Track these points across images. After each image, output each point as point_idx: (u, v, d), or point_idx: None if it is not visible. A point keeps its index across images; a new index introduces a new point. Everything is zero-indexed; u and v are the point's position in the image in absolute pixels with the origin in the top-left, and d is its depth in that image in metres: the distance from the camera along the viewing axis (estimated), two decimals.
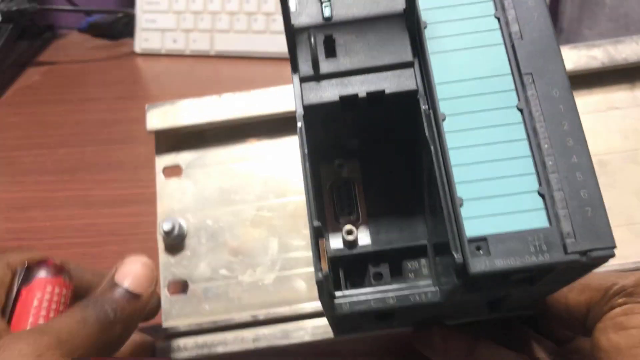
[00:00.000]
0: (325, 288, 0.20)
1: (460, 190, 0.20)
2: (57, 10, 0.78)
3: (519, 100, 0.21)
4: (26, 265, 0.28)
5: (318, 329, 0.32)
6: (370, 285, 0.25)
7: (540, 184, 0.20)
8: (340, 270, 0.25)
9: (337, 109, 0.23)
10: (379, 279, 0.25)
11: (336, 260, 0.26)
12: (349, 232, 0.26)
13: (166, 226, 0.33)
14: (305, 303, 0.32)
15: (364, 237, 0.26)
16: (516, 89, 0.22)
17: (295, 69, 0.24)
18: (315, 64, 0.23)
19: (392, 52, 0.23)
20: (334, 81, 0.23)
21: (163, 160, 0.36)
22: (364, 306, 0.23)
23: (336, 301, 0.23)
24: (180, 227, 0.34)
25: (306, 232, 0.34)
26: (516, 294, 0.25)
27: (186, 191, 0.36)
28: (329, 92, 0.23)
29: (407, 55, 0.23)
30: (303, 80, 0.23)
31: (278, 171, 0.36)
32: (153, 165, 0.36)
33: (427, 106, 0.22)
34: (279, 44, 0.69)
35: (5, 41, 0.67)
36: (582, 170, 0.20)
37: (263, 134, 0.36)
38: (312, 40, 0.23)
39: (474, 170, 0.21)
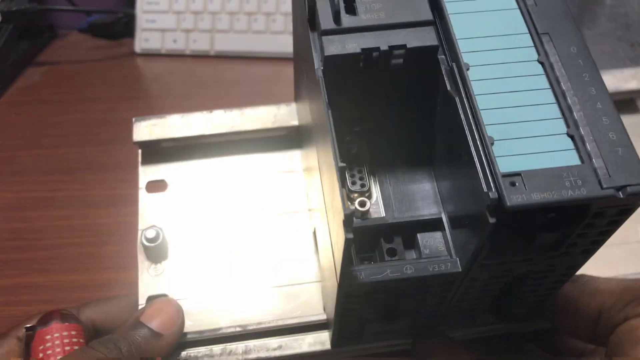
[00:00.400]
0: (350, 224, 0.19)
1: (490, 131, 0.20)
2: (57, 10, 0.78)
3: (538, 54, 0.22)
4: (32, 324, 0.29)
5: (314, 345, 0.30)
6: (384, 260, 0.25)
7: (568, 127, 0.20)
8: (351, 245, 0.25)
9: (358, 63, 0.23)
10: (392, 254, 0.24)
11: None
12: (362, 204, 0.25)
13: (149, 234, 0.32)
14: (299, 318, 0.31)
15: (376, 211, 0.26)
16: (535, 46, 0.22)
17: (313, 26, 0.24)
18: (337, 17, 0.23)
19: (412, 11, 0.23)
20: (354, 35, 0.23)
21: (147, 174, 0.35)
22: (381, 275, 0.22)
23: (351, 271, 0.22)
24: (163, 237, 0.32)
25: (297, 244, 0.33)
26: (532, 277, 0.24)
27: (170, 205, 0.34)
28: (350, 44, 0.23)
29: (427, 14, 0.23)
30: (324, 33, 0.23)
31: (267, 184, 0.35)
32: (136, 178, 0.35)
33: (447, 62, 0.23)
34: (279, 44, 0.69)
35: (6, 41, 0.66)
36: (607, 115, 0.20)
37: (251, 150, 0.36)
38: None
39: (501, 114, 0.21)
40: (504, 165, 0.19)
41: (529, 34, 0.23)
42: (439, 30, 0.24)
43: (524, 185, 0.19)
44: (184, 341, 0.30)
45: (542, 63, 0.22)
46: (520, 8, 0.23)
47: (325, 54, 0.23)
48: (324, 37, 0.23)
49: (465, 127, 0.21)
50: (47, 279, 0.43)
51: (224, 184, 0.35)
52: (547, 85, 0.21)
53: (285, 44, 0.68)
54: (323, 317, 0.31)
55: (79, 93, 0.65)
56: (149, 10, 0.71)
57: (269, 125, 0.35)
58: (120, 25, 0.75)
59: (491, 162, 0.20)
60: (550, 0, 0.23)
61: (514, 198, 0.19)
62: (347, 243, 0.19)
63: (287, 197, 0.35)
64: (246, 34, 0.70)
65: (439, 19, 0.24)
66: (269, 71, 0.68)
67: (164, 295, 0.31)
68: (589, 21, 0.83)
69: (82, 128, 0.59)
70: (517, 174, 0.19)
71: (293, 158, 0.36)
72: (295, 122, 0.35)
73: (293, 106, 0.36)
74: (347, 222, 0.19)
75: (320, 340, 0.30)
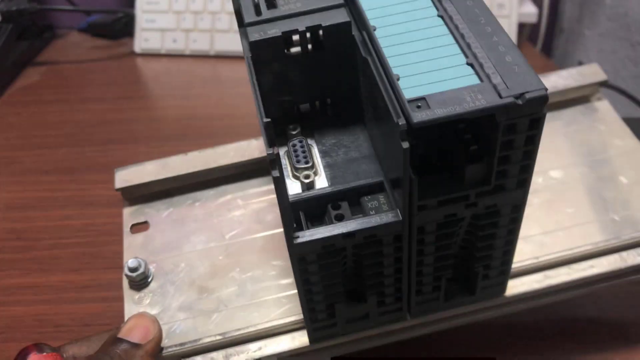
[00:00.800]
0: (279, 166, 0.21)
1: (396, 72, 0.22)
2: (57, 10, 0.78)
3: (437, 10, 0.25)
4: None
5: (292, 342, 0.31)
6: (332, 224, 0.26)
7: (467, 57, 0.22)
8: (300, 213, 0.26)
9: (280, 45, 0.26)
10: (340, 219, 0.25)
11: (296, 204, 0.26)
12: (307, 177, 0.27)
13: (132, 263, 0.33)
14: (278, 320, 0.31)
15: (322, 182, 0.27)
16: (434, 5, 0.25)
17: (240, 23, 0.27)
18: (258, 9, 0.26)
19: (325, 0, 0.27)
20: (277, 23, 0.26)
21: (131, 216, 0.37)
22: (327, 232, 0.24)
23: (298, 234, 0.24)
24: (146, 266, 0.34)
25: (276, 263, 0.34)
26: (482, 227, 0.26)
27: (153, 241, 0.36)
28: (272, 30, 0.26)
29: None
30: (248, 25, 0.26)
31: (245, 212, 0.37)
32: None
33: (360, 33, 0.26)
34: None
35: (5, 41, 0.67)
36: (503, 44, 0.22)
37: (227, 181, 0.38)
38: None
39: (406, 58, 0.23)
40: (409, 93, 0.21)
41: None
42: (352, 10, 0.27)
43: (428, 105, 0.21)
44: (165, 355, 0.31)
45: (441, 16, 0.24)
46: None
47: (250, 40, 0.26)
48: (248, 28, 0.26)
49: (376, 77, 0.23)
50: (47, 279, 0.43)
51: (203, 216, 0.37)
52: (446, 32, 0.24)
53: None
54: (301, 317, 0.31)
55: (79, 93, 0.66)
56: (149, 10, 0.71)
57: (242, 159, 0.38)
58: (119, 25, 0.75)
59: (397, 93, 0.21)
60: None
61: (419, 116, 0.20)
62: (276, 182, 0.21)
63: (261, 220, 0.37)
64: None
65: (350, 2, 0.27)
66: None
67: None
68: (589, 21, 0.83)
69: (82, 128, 0.59)
70: (422, 98, 0.21)
71: (267, 183, 0.38)
72: (264, 154, 0.37)
73: (261, 140, 0.38)
74: (273, 162, 0.21)
75: (300, 339, 0.31)
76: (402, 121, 0.21)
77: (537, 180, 0.36)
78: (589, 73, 0.40)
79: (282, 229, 0.35)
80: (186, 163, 0.38)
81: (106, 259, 0.44)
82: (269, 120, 0.22)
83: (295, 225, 0.25)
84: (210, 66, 0.69)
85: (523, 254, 0.32)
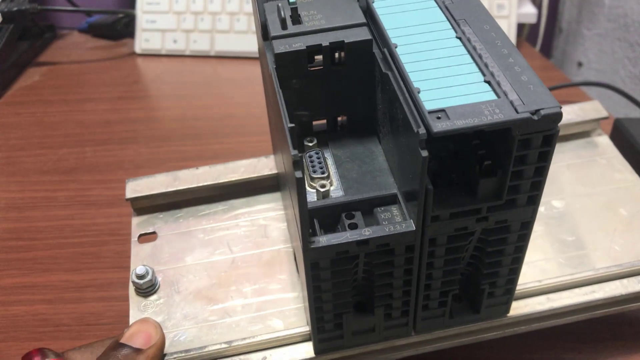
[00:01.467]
0: (301, 166, 0.22)
1: (416, 85, 0.23)
2: (58, 11, 0.79)
3: (456, 32, 0.26)
4: None
5: (297, 353, 0.31)
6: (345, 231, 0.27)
7: (485, 75, 0.23)
8: (315, 221, 0.26)
9: (304, 59, 0.27)
10: (354, 228, 0.26)
11: (311, 211, 0.26)
12: (322, 186, 0.28)
13: (140, 270, 0.33)
14: (284, 331, 0.32)
15: (336, 193, 0.28)
16: (453, 28, 0.26)
17: (266, 37, 0.28)
18: (284, 24, 0.28)
19: (348, 17, 0.28)
20: (301, 38, 0.27)
21: (139, 226, 0.38)
22: (342, 238, 0.24)
23: (313, 239, 0.24)
24: (154, 274, 0.34)
25: (281, 277, 0.34)
26: (491, 242, 0.27)
27: (160, 251, 0.36)
28: (297, 44, 0.27)
29: (361, 18, 0.28)
30: (274, 38, 0.27)
31: (252, 227, 0.37)
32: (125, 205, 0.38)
33: (380, 51, 0.26)
34: None
35: (6, 41, 0.67)
36: (519, 65, 0.23)
37: (235, 196, 0.39)
38: (281, 9, 0.28)
39: (426, 74, 0.24)
40: (430, 105, 0.22)
41: (447, 21, 0.26)
42: (372, 30, 0.28)
43: (448, 116, 0.21)
44: None
45: (459, 38, 0.25)
46: (439, 5, 0.27)
47: (275, 52, 0.27)
48: (274, 41, 0.27)
49: (397, 90, 0.24)
50: (47, 279, 0.43)
51: (211, 229, 0.38)
52: (465, 52, 0.25)
53: None
54: (307, 329, 0.31)
55: (79, 93, 0.66)
56: (149, 11, 0.71)
57: (251, 175, 0.39)
58: (120, 25, 0.75)
59: (418, 105, 0.22)
60: None
61: (439, 125, 0.21)
62: (299, 182, 0.22)
63: (267, 235, 0.37)
64: (246, 34, 0.70)
65: (371, 22, 0.28)
66: None
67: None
68: (588, 21, 0.83)
69: (82, 128, 0.59)
70: (442, 110, 0.22)
71: (274, 200, 0.39)
72: (274, 171, 0.39)
73: (272, 157, 0.40)
74: (296, 163, 0.21)
75: (304, 350, 0.31)
76: (422, 130, 0.21)
77: (540, 209, 0.37)
78: (590, 109, 0.41)
79: (288, 245, 0.36)
80: (197, 177, 0.38)
81: (106, 259, 0.44)
82: (293, 125, 0.23)
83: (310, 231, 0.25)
84: (210, 66, 0.70)
85: (526, 277, 0.32)
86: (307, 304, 0.29)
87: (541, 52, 0.80)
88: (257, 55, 0.69)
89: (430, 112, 0.22)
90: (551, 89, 0.58)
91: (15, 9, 0.67)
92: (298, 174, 0.21)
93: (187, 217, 0.38)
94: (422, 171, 0.22)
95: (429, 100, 0.22)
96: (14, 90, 0.66)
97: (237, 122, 0.60)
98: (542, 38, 0.80)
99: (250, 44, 0.70)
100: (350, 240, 0.24)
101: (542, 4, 0.76)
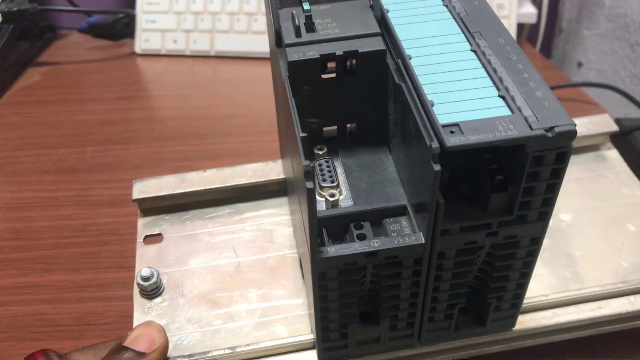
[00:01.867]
0: (311, 176, 0.22)
1: (430, 98, 0.23)
2: (58, 11, 0.79)
3: (471, 45, 0.25)
4: None
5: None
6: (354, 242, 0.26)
7: (499, 90, 0.23)
8: (323, 230, 0.26)
9: (317, 67, 0.27)
10: (362, 239, 0.26)
11: (320, 220, 0.26)
12: (331, 195, 0.28)
13: (145, 272, 0.33)
14: (288, 339, 0.32)
15: (345, 202, 0.28)
16: (468, 40, 0.26)
17: (279, 44, 0.28)
18: (298, 32, 0.27)
19: (362, 26, 0.28)
20: (315, 46, 0.27)
21: (145, 227, 0.38)
22: (350, 249, 0.24)
23: (322, 249, 0.24)
24: (159, 277, 0.34)
25: (286, 283, 0.34)
26: (500, 257, 0.26)
27: (166, 253, 0.36)
28: (310, 52, 0.27)
29: (375, 28, 0.28)
30: (287, 45, 0.27)
31: (258, 232, 0.37)
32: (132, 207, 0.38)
33: (394, 61, 0.26)
34: None
35: (6, 41, 0.67)
36: (534, 81, 0.23)
37: (242, 200, 0.39)
38: (295, 16, 0.27)
39: (440, 87, 0.24)
40: (443, 119, 0.22)
41: (462, 34, 0.26)
42: (386, 40, 0.28)
43: (461, 131, 0.21)
44: None
45: (474, 51, 0.25)
46: (454, 17, 0.27)
47: (289, 59, 0.27)
48: (287, 49, 0.27)
49: (410, 102, 0.24)
50: (47, 279, 0.43)
51: (216, 232, 0.38)
52: (479, 65, 0.24)
53: None
54: (311, 337, 0.31)
55: (79, 93, 0.66)
56: (150, 11, 0.71)
57: (259, 179, 0.39)
58: (120, 25, 0.75)
59: (432, 119, 0.22)
60: (480, 10, 0.27)
61: (453, 140, 0.21)
62: (310, 193, 0.21)
63: (273, 240, 0.37)
64: (246, 34, 0.70)
65: (385, 32, 0.28)
66: (269, 71, 0.68)
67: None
68: (588, 22, 0.83)
69: (82, 128, 0.59)
70: (456, 124, 0.22)
71: (280, 204, 0.39)
72: (281, 176, 0.39)
73: (279, 162, 0.40)
74: (308, 174, 0.21)
75: (309, 358, 0.31)
76: (435, 144, 0.21)
77: None
78: (601, 123, 0.41)
79: (293, 250, 0.36)
80: (204, 179, 0.39)
81: (106, 259, 0.44)
82: (305, 135, 0.22)
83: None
84: (210, 66, 0.70)
85: (532, 291, 0.32)
86: (312, 311, 0.29)
87: (541, 52, 0.80)
88: (258, 56, 0.70)
89: (444, 126, 0.22)
90: (551, 88, 0.58)
91: (15, 9, 0.67)
92: (309, 185, 0.21)
93: (194, 219, 0.38)
94: (434, 185, 0.22)
95: (443, 114, 0.22)
96: (14, 90, 0.66)
97: (237, 122, 0.60)
98: (542, 38, 0.80)
99: (250, 44, 0.70)
100: (359, 251, 0.24)
101: (542, 4, 0.76)
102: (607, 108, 0.43)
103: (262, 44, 0.69)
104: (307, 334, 0.32)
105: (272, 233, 0.37)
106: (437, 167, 0.21)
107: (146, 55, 0.72)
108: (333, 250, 0.24)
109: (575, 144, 0.41)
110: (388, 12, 0.28)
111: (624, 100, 0.58)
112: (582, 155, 0.42)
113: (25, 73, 0.69)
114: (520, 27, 0.74)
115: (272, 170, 0.39)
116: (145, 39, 0.71)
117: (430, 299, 0.28)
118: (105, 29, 0.76)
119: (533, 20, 0.73)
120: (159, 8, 0.71)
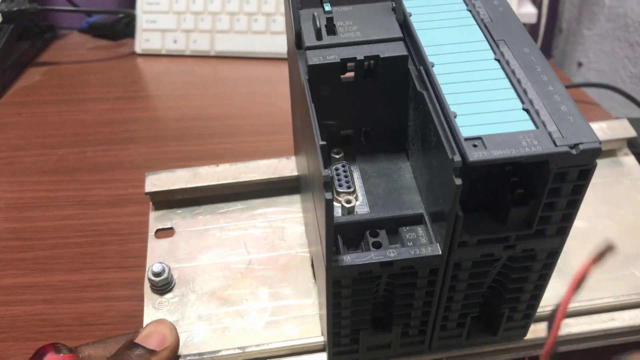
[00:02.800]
0: (330, 187, 0.21)
1: (453, 109, 0.23)
2: (58, 11, 0.79)
3: (495, 54, 0.25)
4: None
5: None
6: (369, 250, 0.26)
7: (523, 103, 0.23)
8: (339, 237, 0.26)
9: (337, 71, 0.27)
10: (377, 247, 0.25)
11: (336, 227, 0.26)
12: (348, 201, 0.27)
13: (156, 268, 0.33)
14: (298, 340, 0.32)
15: (362, 208, 0.28)
16: (492, 48, 0.25)
17: (300, 47, 0.27)
18: (319, 34, 0.27)
19: (384, 30, 0.27)
20: (335, 50, 0.27)
21: (157, 221, 0.38)
22: (366, 258, 0.24)
23: (337, 257, 0.24)
24: (170, 272, 0.34)
25: (297, 282, 0.34)
26: (516, 269, 0.26)
27: (177, 248, 0.36)
28: (331, 56, 0.27)
29: (398, 32, 0.27)
30: (308, 48, 0.27)
31: (270, 229, 0.37)
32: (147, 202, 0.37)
33: (416, 68, 0.26)
34: (279, 44, 0.69)
35: (6, 41, 0.67)
36: (558, 94, 0.23)
37: (254, 196, 0.39)
38: (316, 18, 0.27)
39: (463, 97, 0.23)
40: (466, 132, 0.21)
41: (486, 41, 0.26)
42: (408, 45, 0.27)
43: (485, 145, 0.21)
44: None
45: (498, 60, 0.25)
46: (477, 24, 0.27)
47: (309, 63, 0.26)
48: (307, 51, 0.27)
49: (432, 112, 0.23)
50: (47, 279, 0.43)
51: (228, 228, 0.38)
52: (503, 75, 0.24)
53: (285, 45, 0.68)
54: (321, 339, 0.31)
55: (79, 93, 0.66)
56: (150, 11, 0.71)
57: (272, 175, 0.39)
58: (120, 25, 0.75)
59: (454, 131, 0.22)
60: (504, 16, 0.27)
61: (476, 155, 0.21)
62: (328, 204, 0.21)
63: (285, 238, 0.37)
64: (246, 34, 0.70)
65: (407, 37, 0.27)
66: (269, 71, 0.68)
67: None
68: (588, 21, 0.83)
69: (82, 128, 0.59)
70: (479, 138, 0.21)
71: (293, 202, 0.39)
72: (295, 173, 0.39)
73: (292, 159, 0.39)
74: (327, 184, 0.21)
75: None
76: (457, 158, 0.21)
77: None
78: (618, 128, 0.41)
79: (305, 249, 0.36)
80: (217, 174, 0.38)
81: (106, 259, 0.44)
82: (324, 143, 0.22)
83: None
84: (210, 66, 0.70)
85: (545, 300, 0.32)
86: (322, 312, 0.29)
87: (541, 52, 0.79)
88: (258, 56, 0.70)
89: (467, 139, 0.21)
90: None
91: (15, 9, 0.67)
92: (328, 196, 0.21)
93: (205, 214, 0.38)
94: (455, 199, 0.22)
95: (466, 126, 0.22)
96: (14, 90, 0.66)
97: (237, 122, 0.60)
98: (542, 38, 0.80)
99: (250, 44, 0.70)
100: (375, 261, 0.24)
101: (542, 4, 0.76)
102: (607, 108, 0.43)
103: (262, 44, 0.69)
104: (318, 336, 0.31)
105: (283, 231, 0.37)
106: (458, 182, 0.21)
107: (146, 55, 0.72)
108: (349, 259, 0.24)
109: None
110: (410, 15, 0.27)
111: (624, 100, 0.58)
112: (598, 160, 0.41)
113: (26, 73, 0.69)
114: None
115: (285, 167, 0.39)
116: (145, 39, 0.71)
117: (443, 308, 0.28)
118: (105, 29, 0.76)
119: (533, 20, 0.73)
120: (159, 8, 0.71)
